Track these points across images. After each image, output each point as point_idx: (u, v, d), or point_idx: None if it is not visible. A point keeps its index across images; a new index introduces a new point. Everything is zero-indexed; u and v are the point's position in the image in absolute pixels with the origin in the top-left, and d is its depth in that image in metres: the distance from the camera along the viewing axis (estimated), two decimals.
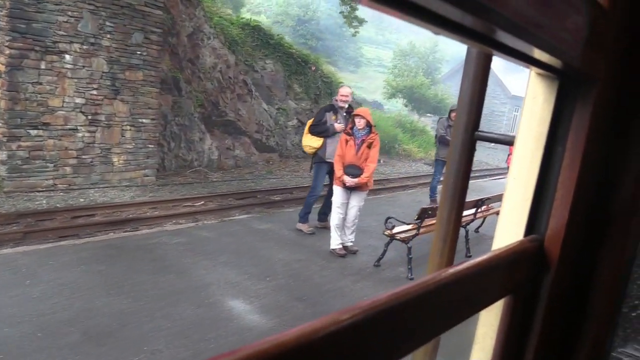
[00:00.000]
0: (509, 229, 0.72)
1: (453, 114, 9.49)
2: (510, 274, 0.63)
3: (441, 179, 9.82)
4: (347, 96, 6.64)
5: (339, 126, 6.24)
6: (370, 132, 5.88)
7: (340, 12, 15.33)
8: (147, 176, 9.57)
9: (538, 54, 0.51)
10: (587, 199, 0.69)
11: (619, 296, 0.74)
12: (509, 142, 0.80)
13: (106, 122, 8.82)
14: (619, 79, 0.66)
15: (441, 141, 9.29)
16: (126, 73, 8.96)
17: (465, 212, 6.64)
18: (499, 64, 29.62)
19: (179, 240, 5.84)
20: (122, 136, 9.12)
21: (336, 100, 6.57)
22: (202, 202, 8.42)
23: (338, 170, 5.74)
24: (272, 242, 6.10)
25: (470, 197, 10.22)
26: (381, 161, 16.20)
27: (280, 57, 13.94)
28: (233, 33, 12.54)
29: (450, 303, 0.52)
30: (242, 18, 13.90)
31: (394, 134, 18.05)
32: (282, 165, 13.11)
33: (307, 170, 13.13)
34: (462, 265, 0.53)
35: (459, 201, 0.75)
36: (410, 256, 5.50)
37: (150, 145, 9.56)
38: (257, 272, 5.07)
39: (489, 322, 0.70)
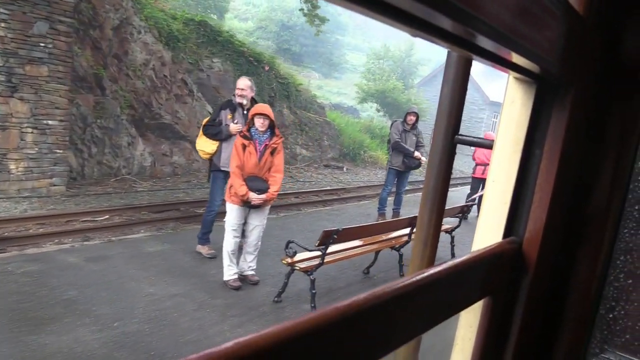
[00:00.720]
0: (488, 231, 0.73)
1: (410, 117, 8.39)
2: (489, 276, 0.64)
3: (392, 189, 8.72)
4: (244, 90, 5.34)
5: (234, 127, 5.08)
6: (273, 134, 4.75)
7: (300, 10, 14.25)
8: (55, 185, 8.34)
9: (516, 58, 0.53)
10: (564, 202, 0.71)
11: (596, 298, 0.75)
12: (488, 145, 0.79)
13: (0, 124, 7.60)
14: (594, 83, 0.68)
15: (395, 148, 8.22)
16: (26, 68, 7.76)
17: (398, 232, 5.54)
18: (478, 69, 28.83)
19: (30, 268, 4.65)
20: (22, 140, 7.89)
21: (234, 96, 5.40)
22: (107, 217, 7.23)
23: (237, 184, 4.57)
24: (153, 270, 4.93)
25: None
26: (344, 169, 15.12)
27: (229, 56, 12.83)
28: (173, 28, 11.40)
29: (430, 303, 0.52)
30: (187, 13, 12.74)
31: (361, 140, 16.99)
32: None
33: None
34: (441, 267, 0.53)
35: (439, 205, 0.76)
36: (313, 291, 4.37)
37: (58, 151, 8.34)
38: (107, 314, 3.90)
39: (468, 324, 0.71)
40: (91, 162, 9.49)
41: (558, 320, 0.75)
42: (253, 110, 4.75)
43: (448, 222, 6.73)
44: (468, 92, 0.73)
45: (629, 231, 0.75)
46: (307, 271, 4.34)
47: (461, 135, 0.75)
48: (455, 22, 0.39)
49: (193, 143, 11.61)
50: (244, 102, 5.39)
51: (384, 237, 5.28)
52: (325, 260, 4.32)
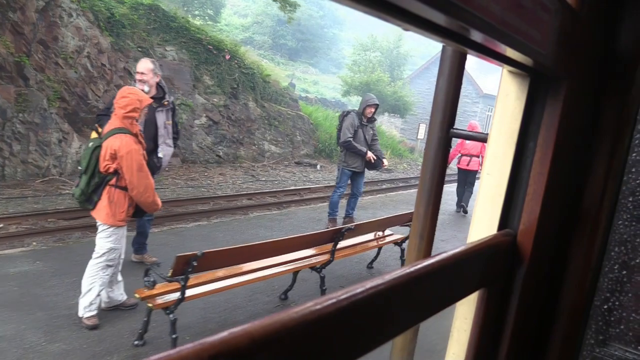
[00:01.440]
0: (483, 224, 0.74)
1: (369, 110, 7.16)
2: (485, 268, 0.64)
3: (345, 192, 7.53)
4: (144, 74, 4.50)
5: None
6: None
7: None
8: None
9: (510, 52, 0.53)
10: (559, 194, 0.71)
11: (591, 289, 0.76)
12: (482, 139, 0.80)
13: None
14: (588, 77, 0.69)
15: (347, 148, 7.04)
16: None
17: (343, 244, 4.46)
18: (472, 62, 27.62)
19: None
20: None
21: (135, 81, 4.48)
22: (0, 226, 6.18)
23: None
24: None
25: (397, 209, 8.04)
26: (318, 166, 14.03)
27: (185, 44, 11.73)
28: (116, 12, 10.31)
29: (425, 294, 0.53)
30: None
31: None
32: (182, 172, 10.88)
33: (214, 177, 11.05)
34: (436, 258, 0.54)
35: (435, 198, 0.76)
36: (174, 336, 3.30)
37: None
38: None
39: (463, 315, 0.72)
40: (13, 162, 8.43)
41: (553, 312, 0.75)
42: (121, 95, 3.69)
43: (397, 232, 5.65)
44: (445, 81, 0.73)
45: (623, 222, 0.76)
46: (166, 308, 3.27)
47: (456, 128, 0.76)
48: (448, 17, 0.39)
49: None
50: (145, 88, 4.40)
51: (296, 255, 4.20)
52: (186, 295, 3.24)
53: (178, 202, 8.19)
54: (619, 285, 0.75)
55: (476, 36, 0.45)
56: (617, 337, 0.76)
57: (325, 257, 4.41)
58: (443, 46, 0.68)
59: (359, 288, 0.42)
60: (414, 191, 11.89)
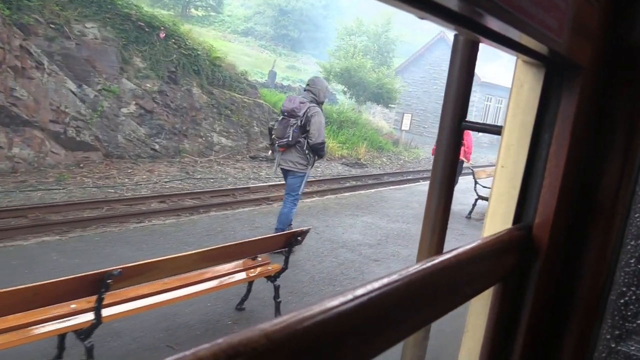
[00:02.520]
0: (497, 217, 0.73)
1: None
2: (499, 262, 0.64)
3: (300, 199, 5.74)
4: None
5: None
6: None
7: None
8: None
9: (525, 39, 0.52)
10: (574, 186, 0.70)
11: (607, 283, 0.75)
12: (495, 131, 0.78)
13: None
14: (604, 66, 0.68)
15: (322, 150, 5.39)
16: None
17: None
18: None
19: None
20: None
21: None
22: None
23: None
24: None
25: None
26: None
27: (110, 20, 10.13)
28: None
29: (439, 291, 0.52)
30: None
31: None
32: (99, 169, 9.32)
33: (139, 174, 9.40)
34: (450, 254, 0.53)
35: (447, 190, 0.76)
36: None
37: None
38: None
39: (478, 310, 0.71)
40: None
41: (568, 306, 0.74)
42: None
43: (272, 261, 4.01)
44: (457, 72, 0.71)
45: (639, 215, 0.75)
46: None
47: (468, 120, 0.73)
48: (462, 2, 0.39)
49: (45, 130, 9.03)
50: None
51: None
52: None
53: (44, 209, 6.60)
54: (635, 279, 0.74)
55: (491, 22, 0.45)
56: (634, 332, 0.75)
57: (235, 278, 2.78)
58: (455, 36, 0.68)
59: (376, 284, 0.42)
60: (381, 190, 10.19)
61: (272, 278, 3.73)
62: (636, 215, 0.74)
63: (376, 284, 0.42)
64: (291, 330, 0.34)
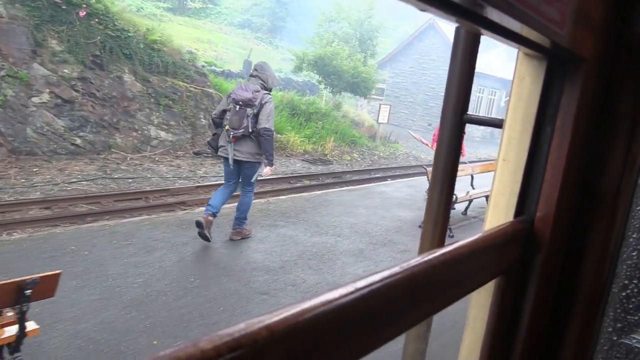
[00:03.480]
0: (499, 211, 0.73)
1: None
2: (501, 255, 0.64)
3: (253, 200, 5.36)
4: None
5: None
6: None
7: None
8: None
9: (526, 31, 0.52)
10: (576, 180, 0.70)
11: (609, 276, 0.75)
12: (498, 124, 0.78)
13: None
14: (606, 59, 0.67)
15: (271, 137, 5.05)
16: None
17: None
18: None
19: None
20: None
21: None
22: None
23: None
24: None
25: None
26: None
27: None
28: None
29: (440, 284, 0.52)
30: None
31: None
32: (1, 167, 8.00)
33: (44, 173, 7.94)
34: (452, 247, 0.53)
35: (449, 184, 0.75)
36: None
37: None
38: None
39: (480, 304, 0.71)
40: None
41: (570, 299, 0.74)
42: None
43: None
44: (458, 65, 0.70)
45: None
46: None
47: (470, 114, 0.73)
48: None
49: None
50: None
51: None
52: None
53: None
54: (637, 272, 0.75)
55: (492, 14, 0.45)
56: (636, 325, 0.76)
57: None
58: (456, 29, 0.67)
59: (377, 277, 0.42)
60: (328, 192, 8.82)
61: (10, 349, 2.39)
62: (638, 209, 0.74)
63: (377, 277, 0.42)
64: (292, 322, 0.34)
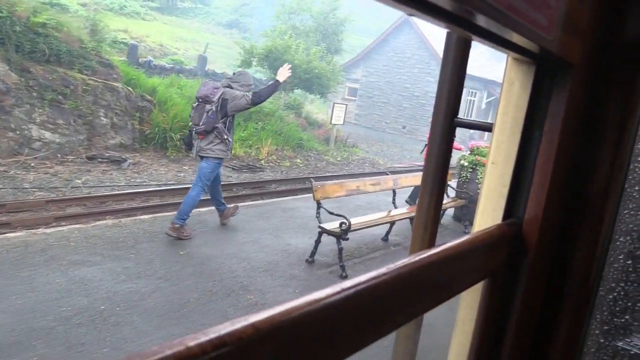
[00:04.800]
0: (487, 214, 0.73)
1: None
2: (489, 258, 0.64)
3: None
4: None
5: None
6: None
7: None
8: None
9: (515, 38, 0.52)
10: (564, 183, 0.71)
11: (596, 279, 0.76)
12: (487, 128, 0.78)
13: None
14: (593, 64, 0.68)
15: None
16: None
17: None
18: (437, 32, 22.44)
19: None
20: None
21: None
22: None
23: None
24: None
25: None
26: (127, 163, 9.39)
27: None
28: None
29: (428, 286, 0.52)
30: None
31: (186, 118, 11.28)
32: None
33: None
34: (440, 248, 0.54)
35: (439, 188, 0.76)
36: None
37: None
38: None
39: (468, 305, 0.71)
40: None
41: (558, 302, 0.75)
42: None
43: None
44: (449, 69, 0.73)
45: (629, 212, 0.76)
46: None
47: (460, 118, 0.75)
48: (454, 0, 0.39)
49: None
50: None
51: None
52: None
53: None
54: (624, 275, 0.76)
55: (481, 20, 0.45)
56: (623, 327, 0.76)
57: None
58: (447, 33, 0.68)
59: (363, 277, 0.42)
60: (202, 212, 7.11)
61: None
62: (625, 212, 0.76)
63: (364, 278, 0.42)
64: (278, 320, 0.34)
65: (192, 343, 0.29)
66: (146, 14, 30.24)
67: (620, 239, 0.76)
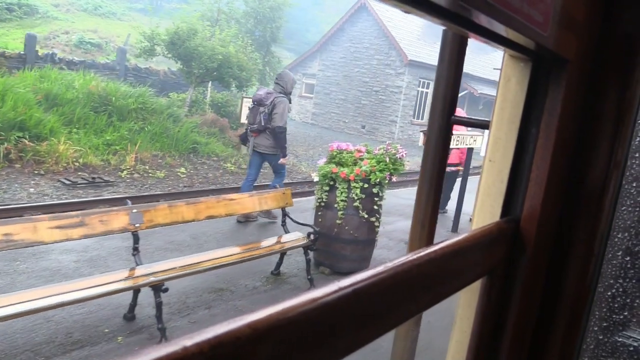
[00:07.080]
0: (485, 210, 0.73)
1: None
2: (487, 255, 0.64)
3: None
4: None
5: None
6: None
7: None
8: None
9: (511, 34, 0.52)
10: (561, 180, 0.71)
11: (594, 275, 0.75)
12: (484, 125, 0.79)
13: None
14: (589, 60, 0.68)
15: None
16: None
17: None
18: (396, 19, 19.74)
19: None
20: None
21: None
22: None
23: None
24: None
25: None
26: None
27: None
28: None
29: (426, 283, 0.52)
30: None
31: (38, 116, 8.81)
32: None
33: None
34: (438, 246, 0.53)
35: (436, 186, 0.76)
36: None
37: None
38: None
39: (467, 303, 0.71)
40: None
41: (557, 298, 0.74)
42: None
43: None
44: (446, 67, 0.72)
45: (626, 208, 0.76)
46: None
47: (457, 115, 0.75)
48: None
49: None
50: None
51: None
52: None
53: None
54: (622, 272, 0.75)
55: (477, 17, 0.45)
56: (621, 324, 0.76)
57: None
58: (443, 31, 0.67)
59: (361, 276, 0.42)
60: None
61: None
62: (623, 208, 0.75)
63: (361, 276, 0.42)
64: (275, 320, 0.34)
65: (189, 343, 0.29)
66: (123, 14, 28.34)
67: (618, 236, 0.77)
